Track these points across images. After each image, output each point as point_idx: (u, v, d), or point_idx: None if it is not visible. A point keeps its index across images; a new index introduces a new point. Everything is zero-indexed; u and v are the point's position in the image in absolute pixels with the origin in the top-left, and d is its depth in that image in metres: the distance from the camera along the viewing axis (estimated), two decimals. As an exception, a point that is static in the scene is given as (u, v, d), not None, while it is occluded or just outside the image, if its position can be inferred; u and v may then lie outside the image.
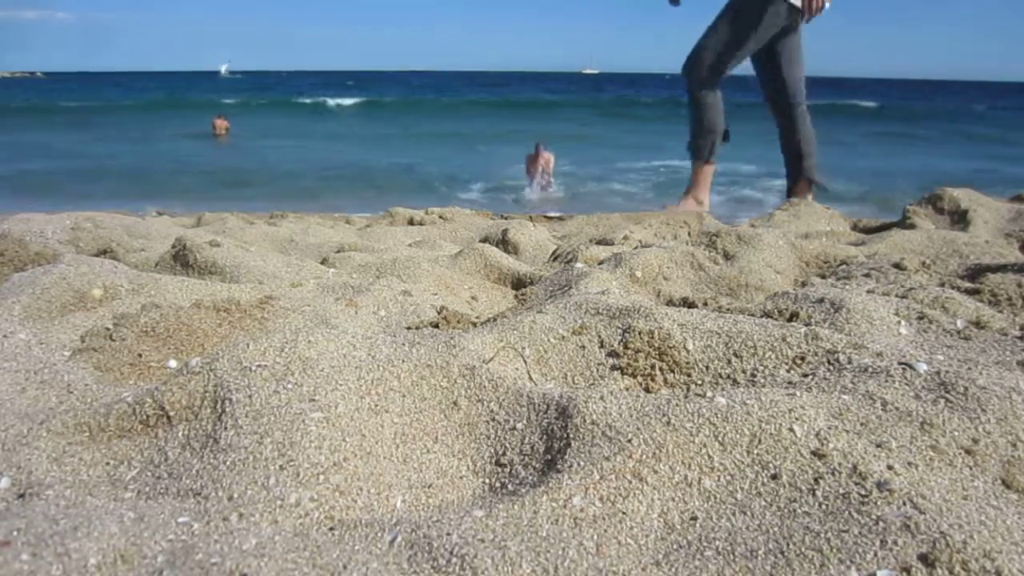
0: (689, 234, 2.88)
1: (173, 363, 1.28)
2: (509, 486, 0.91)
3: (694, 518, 0.81)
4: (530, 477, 0.91)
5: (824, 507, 0.79)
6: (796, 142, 3.91)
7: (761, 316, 1.42)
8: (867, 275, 1.92)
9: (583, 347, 1.23)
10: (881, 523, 0.74)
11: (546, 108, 29.45)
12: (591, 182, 10.08)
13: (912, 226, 2.73)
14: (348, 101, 31.83)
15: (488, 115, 23.76)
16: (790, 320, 1.40)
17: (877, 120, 24.63)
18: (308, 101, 31.91)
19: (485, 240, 2.62)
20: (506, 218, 3.59)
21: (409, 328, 1.53)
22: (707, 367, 1.17)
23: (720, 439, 0.89)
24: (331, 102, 30.95)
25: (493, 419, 1.02)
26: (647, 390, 1.14)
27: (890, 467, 0.83)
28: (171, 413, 0.97)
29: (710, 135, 3.87)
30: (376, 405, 1.02)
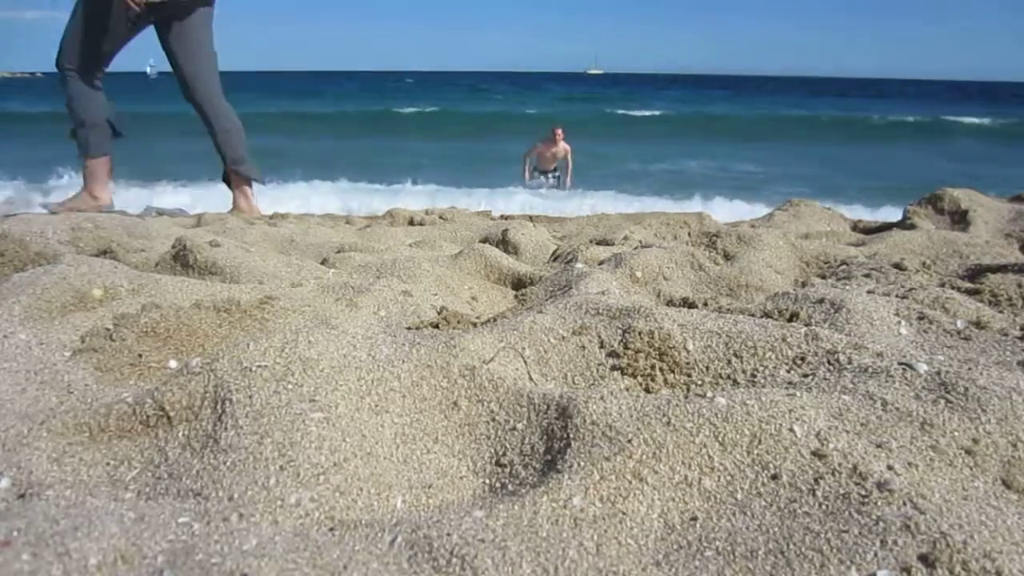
0: (689, 234, 2.88)
1: (173, 363, 1.28)
2: (509, 486, 0.91)
3: (694, 518, 0.81)
4: (530, 477, 0.91)
5: (824, 507, 0.79)
6: (213, 138, 3.86)
7: (761, 316, 1.42)
8: (867, 275, 1.92)
9: (583, 347, 1.23)
10: (881, 523, 0.74)
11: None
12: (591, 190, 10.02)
13: (912, 226, 2.72)
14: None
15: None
16: (790, 320, 1.40)
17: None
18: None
19: (485, 240, 2.62)
20: (506, 218, 3.59)
21: (409, 328, 1.53)
22: (707, 367, 1.17)
23: (720, 439, 0.89)
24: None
25: (493, 419, 1.02)
26: (647, 390, 1.14)
27: (890, 467, 0.83)
28: (171, 413, 0.98)
29: (93, 127, 3.74)
30: (376, 405, 1.02)
